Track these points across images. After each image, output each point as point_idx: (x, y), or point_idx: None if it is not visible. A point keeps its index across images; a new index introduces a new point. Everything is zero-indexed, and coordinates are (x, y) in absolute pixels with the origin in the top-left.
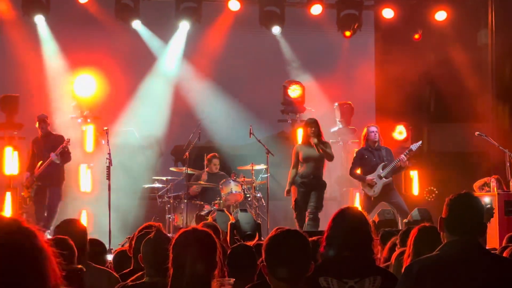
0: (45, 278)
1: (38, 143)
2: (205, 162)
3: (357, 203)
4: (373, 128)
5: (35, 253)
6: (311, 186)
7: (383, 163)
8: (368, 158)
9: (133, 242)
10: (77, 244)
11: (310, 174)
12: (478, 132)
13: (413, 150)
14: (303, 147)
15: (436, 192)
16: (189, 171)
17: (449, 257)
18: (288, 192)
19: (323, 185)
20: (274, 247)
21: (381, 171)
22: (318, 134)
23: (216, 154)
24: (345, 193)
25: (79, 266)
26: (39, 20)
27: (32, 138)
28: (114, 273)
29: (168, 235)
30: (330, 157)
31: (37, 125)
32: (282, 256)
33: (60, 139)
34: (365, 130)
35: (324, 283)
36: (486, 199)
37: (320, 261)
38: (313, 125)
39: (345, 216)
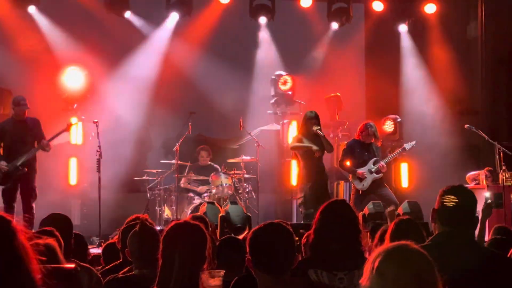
0: (25, 275)
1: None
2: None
3: (346, 196)
4: (372, 126)
5: (14, 251)
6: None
7: (375, 158)
8: (359, 152)
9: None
10: (62, 238)
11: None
12: (467, 125)
13: (406, 149)
14: (305, 139)
15: None
16: (180, 163)
17: (440, 248)
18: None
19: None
20: (257, 240)
21: (372, 166)
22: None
23: (205, 146)
24: (335, 186)
25: (74, 265)
26: (33, 11)
27: None
28: (94, 270)
29: (157, 227)
30: (331, 148)
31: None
32: (265, 249)
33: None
34: (363, 124)
35: (314, 275)
36: (487, 194)
37: (309, 254)
38: (316, 119)
39: (333, 209)
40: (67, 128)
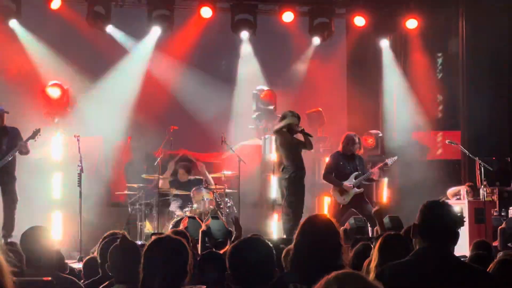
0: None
1: None
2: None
3: (327, 211)
4: (354, 138)
5: None
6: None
7: (356, 173)
8: (342, 165)
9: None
10: (44, 253)
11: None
12: (448, 140)
13: (388, 165)
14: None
15: None
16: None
17: (420, 263)
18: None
19: None
20: (236, 255)
21: (354, 180)
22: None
23: (182, 163)
24: (315, 200)
25: (49, 278)
26: (14, 25)
27: None
28: (79, 282)
29: (138, 242)
30: (312, 146)
31: None
32: (244, 264)
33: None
34: (346, 136)
35: None
36: (456, 208)
37: (289, 268)
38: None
39: (314, 224)
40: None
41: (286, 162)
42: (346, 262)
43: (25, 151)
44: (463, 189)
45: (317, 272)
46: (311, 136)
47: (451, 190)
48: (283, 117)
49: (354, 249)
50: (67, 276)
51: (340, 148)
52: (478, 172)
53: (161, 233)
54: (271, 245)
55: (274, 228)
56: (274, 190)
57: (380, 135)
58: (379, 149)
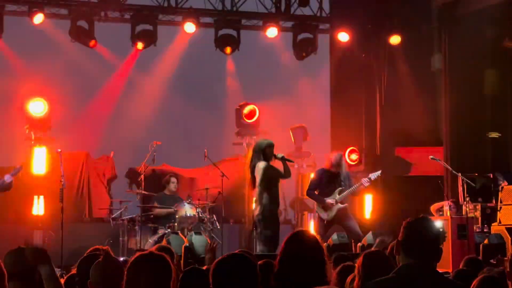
0: None
1: None
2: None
3: (311, 227)
4: (341, 158)
5: None
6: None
7: (340, 188)
8: (326, 181)
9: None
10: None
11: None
12: (431, 156)
13: (371, 179)
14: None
15: None
16: (144, 193)
17: (404, 280)
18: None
19: None
20: (220, 271)
21: (338, 196)
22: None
23: (173, 173)
24: (300, 216)
25: None
26: None
27: None
28: None
29: (120, 258)
30: (290, 174)
31: None
32: (228, 281)
33: None
34: (333, 155)
35: None
36: (438, 223)
37: (273, 284)
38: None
39: (298, 240)
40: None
41: (263, 197)
42: (330, 279)
43: (7, 188)
44: (446, 205)
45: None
46: (292, 161)
47: (434, 206)
48: (259, 149)
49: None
50: None
51: (325, 165)
52: (460, 188)
53: (144, 250)
54: (255, 261)
55: (256, 243)
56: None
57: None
58: (362, 165)
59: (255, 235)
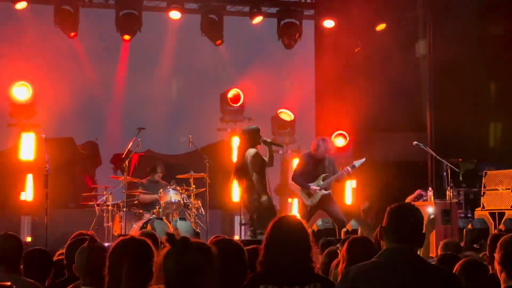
0: None
1: None
2: (148, 170)
3: (295, 212)
4: (327, 143)
5: None
6: None
7: (324, 175)
8: (310, 167)
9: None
10: (12, 258)
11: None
12: (416, 142)
13: (356, 166)
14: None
15: None
16: (129, 179)
17: (385, 264)
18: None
19: None
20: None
21: (322, 182)
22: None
23: (158, 160)
24: (283, 201)
25: (9, 283)
26: None
27: None
28: (42, 286)
29: (105, 244)
30: (273, 162)
31: None
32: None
33: None
34: (317, 141)
35: None
36: (430, 210)
37: (259, 269)
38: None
39: (283, 225)
40: None
41: (259, 184)
42: (317, 264)
43: None
44: (429, 190)
45: (288, 273)
46: (281, 146)
47: (409, 197)
48: (249, 134)
49: (325, 252)
50: (29, 280)
51: (311, 150)
52: (445, 173)
53: (126, 235)
54: (243, 246)
55: (236, 228)
56: (235, 191)
57: (348, 137)
58: (348, 151)
59: (243, 221)
